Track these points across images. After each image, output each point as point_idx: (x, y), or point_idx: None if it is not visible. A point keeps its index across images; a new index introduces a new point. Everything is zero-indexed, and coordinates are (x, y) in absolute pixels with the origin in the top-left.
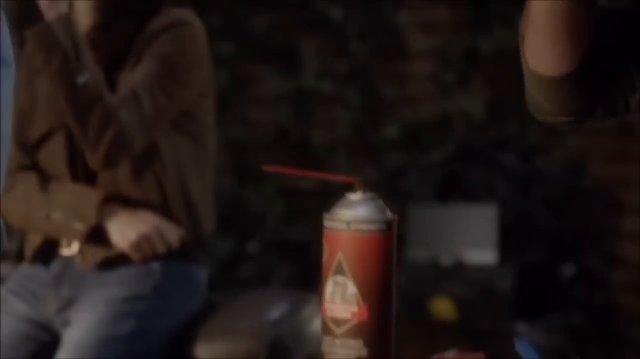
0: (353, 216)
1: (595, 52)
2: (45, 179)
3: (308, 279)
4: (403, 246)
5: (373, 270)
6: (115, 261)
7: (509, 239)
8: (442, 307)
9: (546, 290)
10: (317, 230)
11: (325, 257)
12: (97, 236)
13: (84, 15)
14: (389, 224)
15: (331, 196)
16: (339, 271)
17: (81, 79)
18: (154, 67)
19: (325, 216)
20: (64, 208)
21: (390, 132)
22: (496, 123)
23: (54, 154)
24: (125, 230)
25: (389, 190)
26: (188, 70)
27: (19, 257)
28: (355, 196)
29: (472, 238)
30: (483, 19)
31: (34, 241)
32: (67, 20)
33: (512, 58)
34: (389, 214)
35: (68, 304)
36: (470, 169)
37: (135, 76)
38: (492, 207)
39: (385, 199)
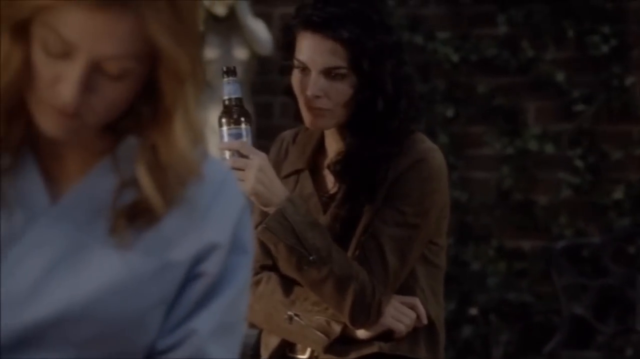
0: None
1: None
2: (287, 282)
3: (530, 342)
4: (632, 315)
5: None
6: None
7: None
8: None
9: None
10: (539, 292)
11: None
12: (333, 342)
13: (330, 146)
14: None
15: (553, 257)
16: None
17: (308, 264)
18: (400, 217)
19: None
20: (307, 316)
21: (616, 195)
22: None
23: None
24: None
25: (615, 255)
26: (431, 208)
27: (255, 357)
28: None
29: None
30: None
31: (271, 344)
32: (281, 215)
33: None
34: None
35: None
36: None
37: (384, 223)
38: None
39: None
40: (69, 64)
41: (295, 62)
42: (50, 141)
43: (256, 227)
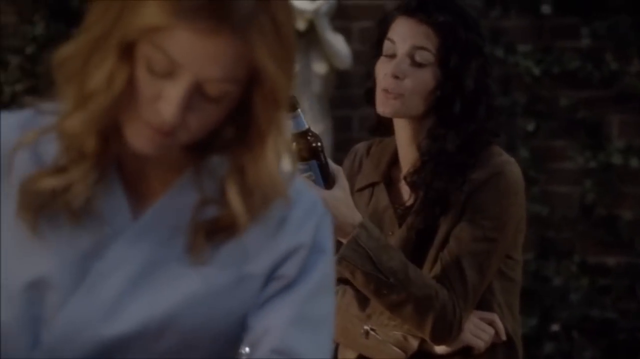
0: None
1: None
2: (363, 296)
3: None
4: None
5: None
6: None
7: None
8: None
9: None
10: (624, 309)
11: None
12: (410, 357)
13: (404, 159)
14: None
15: (639, 273)
16: None
17: (388, 288)
18: (478, 231)
19: None
20: (384, 331)
21: None
22: None
23: None
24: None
25: None
26: (508, 222)
27: None
28: None
29: None
30: None
31: (347, 358)
32: (355, 243)
33: None
34: None
35: None
36: None
37: (462, 238)
38: None
39: None
40: (172, 83)
41: (385, 44)
42: (135, 157)
43: None
